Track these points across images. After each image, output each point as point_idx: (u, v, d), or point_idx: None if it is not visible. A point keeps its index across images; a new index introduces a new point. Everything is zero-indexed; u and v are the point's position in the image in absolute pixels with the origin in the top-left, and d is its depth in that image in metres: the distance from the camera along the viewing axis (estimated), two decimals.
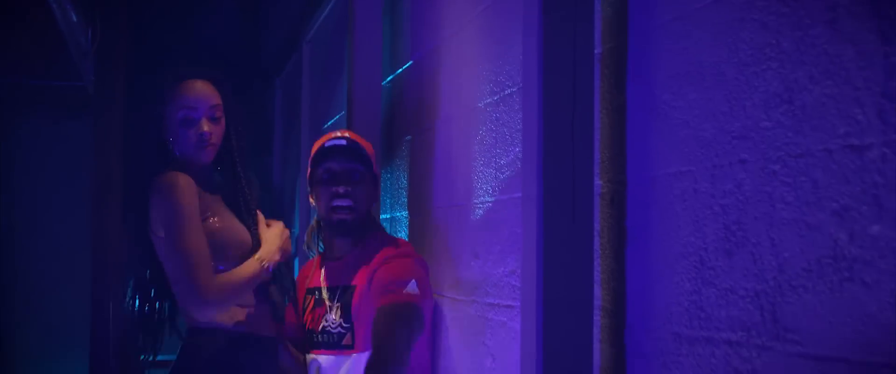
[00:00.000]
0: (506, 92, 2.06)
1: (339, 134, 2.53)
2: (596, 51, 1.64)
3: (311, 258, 2.69)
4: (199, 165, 2.36)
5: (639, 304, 1.53)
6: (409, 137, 2.86)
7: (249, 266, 2.32)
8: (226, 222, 2.36)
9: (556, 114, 1.57)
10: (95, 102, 4.94)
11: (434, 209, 2.59)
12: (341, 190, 2.41)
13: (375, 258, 2.41)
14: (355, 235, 2.49)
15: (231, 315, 2.34)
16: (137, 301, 2.47)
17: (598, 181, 1.64)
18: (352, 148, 2.47)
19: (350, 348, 2.40)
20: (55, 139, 7.36)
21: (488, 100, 2.18)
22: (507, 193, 2.03)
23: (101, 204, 4.74)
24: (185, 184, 2.26)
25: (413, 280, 2.32)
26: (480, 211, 2.23)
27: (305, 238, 2.65)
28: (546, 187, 1.56)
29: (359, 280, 2.42)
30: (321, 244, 2.62)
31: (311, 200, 2.55)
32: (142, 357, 2.53)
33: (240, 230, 2.38)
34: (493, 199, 2.14)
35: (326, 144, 2.47)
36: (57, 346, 7.15)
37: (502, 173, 2.07)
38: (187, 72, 2.37)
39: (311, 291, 2.56)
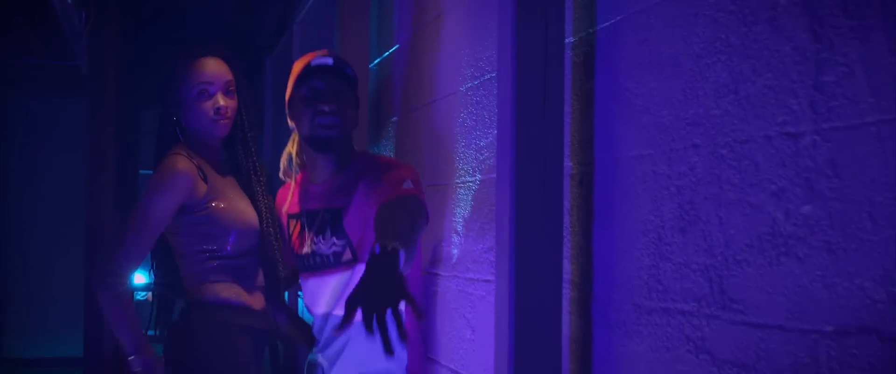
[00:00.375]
0: (485, 77, 2.16)
1: (324, 52, 2.43)
2: (567, 40, 1.74)
3: (287, 183, 2.60)
4: (212, 141, 2.45)
5: (604, 277, 1.64)
6: (395, 119, 2.95)
7: (128, 339, 2.34)
8: (231, 203, 2.43)
9: (528, 99, 1.67)
10: (89, 81, 5.02)
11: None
12: (327, 108, 2.30)
13: (362, 177, 2.33)
14: (339, 155, 2.39)
15: (228, 290, 2.44)
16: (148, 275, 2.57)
17: (568, 163, 1.74)
18: (338, 68, 2.38)
19: (352, 262, 2.33)
20: (50, 116, 7.44)
21: (469, 84, 2.27)
22: (487, 173, 2.14)
23: (95, 181, 4.82)
24: (182, 170, 2.34)
25: (408, 179, 2.21)
26: (462, 190, 2.33)
27: (281, 164, 2.53)
28: (518, 169, 1.66)
29: (347, 202, 2.35)
30: (298, 169, 2.52)
31: (290, 122, 2.44)
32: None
33: (245, 212, 2.45)
34: (473, 178, 2.24)
35: (312, 63, 2.37)
36: (52, 321, 7.23)
37: (482, 154, 2.18)
38: (202, 50, 2.45)
39: (293, 216, 2.50)
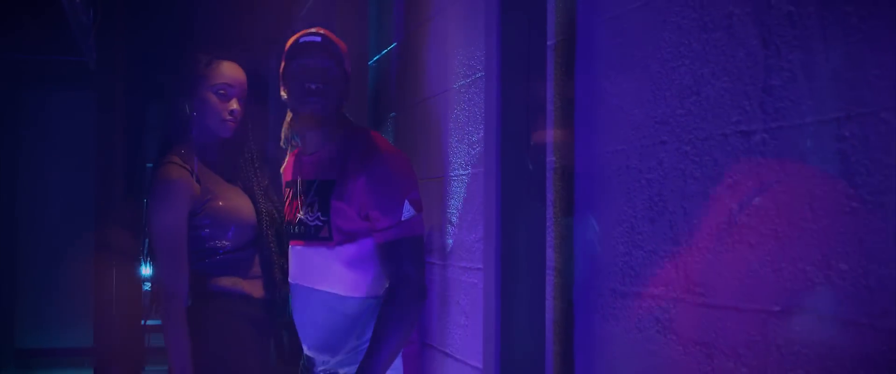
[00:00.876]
0: (477, 75, 2.28)
1: (314, 30, 2.52)
2: (549, 42, 1.85)
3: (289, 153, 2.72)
4: (215, 140, 2.59)
5: (584, 265, 1.76)
6: (393, 114, 3.07)
7: (183, 363, 2.50)
8: (230, 201, 2.57)
9: (513, 98, 1.79)
10: (97, 76, 5.13)
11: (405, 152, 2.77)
12: (313, 86, 2.41)
13: (350, 155, 2.43)
14: (326, 128, 2.48)
15: (228, 282, 2.57)
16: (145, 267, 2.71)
17: (550, 158, 1.86)
18: (325, 45, 2.47)
19: (328, 240, 2.43)
20: (57, 111, 7.56)
21: (462, 82, 2.39)
22: (478, 166, 2.25)
23: (104, 175, 4.93)
24: (177, 178, 2.50)
25: (406, 201, 2.35)
26: (456, 183, 2.45)
27: (282, 133, 2.63)
28: (504, 163, 1.78)
29: (339, 175, 2.43)
30: (296, 140, 2.64)
31: (282, 93, 2.53)
32: (144, 322, 2.80)
33: (242, 208, 2.59)
34: (466, 172, 2.36)
35: (301, 40, 2.47)
36: (62, 312, 7.33)
37: (474, 149, 2.29)
38: (226, 52, 2.61)
39: (288, 184, 2.61)
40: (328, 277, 2.45)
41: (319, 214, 2.44)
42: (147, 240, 2.64)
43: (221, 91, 2.56)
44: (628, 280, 1.60)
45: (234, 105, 2.57)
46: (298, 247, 2.52)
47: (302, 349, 2.61)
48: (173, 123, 2.59)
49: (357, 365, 2.37)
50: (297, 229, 2.51)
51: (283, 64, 2.50)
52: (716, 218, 1.35)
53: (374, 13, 3.38)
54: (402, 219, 2.34)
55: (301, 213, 2.50)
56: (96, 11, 4.93)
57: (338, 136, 2.48)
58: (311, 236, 2.46)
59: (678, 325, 1.45)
